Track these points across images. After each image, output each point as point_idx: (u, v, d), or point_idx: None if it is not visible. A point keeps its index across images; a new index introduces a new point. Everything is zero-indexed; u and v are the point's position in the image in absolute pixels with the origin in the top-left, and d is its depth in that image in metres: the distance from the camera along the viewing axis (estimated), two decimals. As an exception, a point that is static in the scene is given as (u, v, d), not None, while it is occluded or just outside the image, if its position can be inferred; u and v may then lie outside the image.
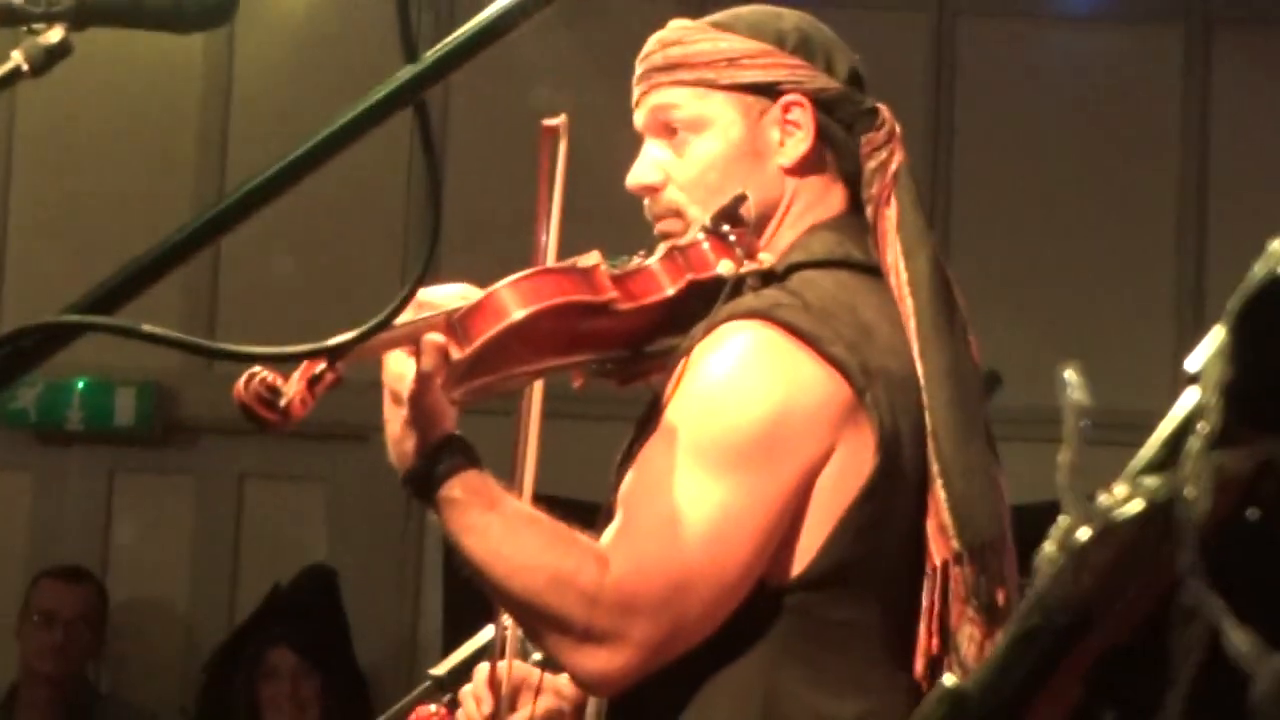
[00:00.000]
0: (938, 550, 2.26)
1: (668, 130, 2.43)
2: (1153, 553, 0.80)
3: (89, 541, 6.44)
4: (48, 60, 1.64)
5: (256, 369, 2.19)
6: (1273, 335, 0.81)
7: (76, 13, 1.65)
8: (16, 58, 1.63)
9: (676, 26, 2.45)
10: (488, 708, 2.65)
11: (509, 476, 2.60)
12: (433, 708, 3.54)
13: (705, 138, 2.42)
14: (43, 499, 6.49)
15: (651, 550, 2.23)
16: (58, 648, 5.92)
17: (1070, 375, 0.87)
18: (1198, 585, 0.78)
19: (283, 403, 2.18)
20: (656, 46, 2.44)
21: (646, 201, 2.47)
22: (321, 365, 2.20)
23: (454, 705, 3.54)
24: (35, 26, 1.64)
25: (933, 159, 6.23)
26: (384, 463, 2.45)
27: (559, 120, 2.49)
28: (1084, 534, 0.81)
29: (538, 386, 2.66)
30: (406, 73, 1.52)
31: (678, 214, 2.44)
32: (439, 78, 1.53)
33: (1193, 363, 0.83)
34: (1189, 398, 0.82)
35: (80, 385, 6.31)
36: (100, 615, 6.13)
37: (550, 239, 2.52)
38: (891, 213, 2.37)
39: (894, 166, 2.40)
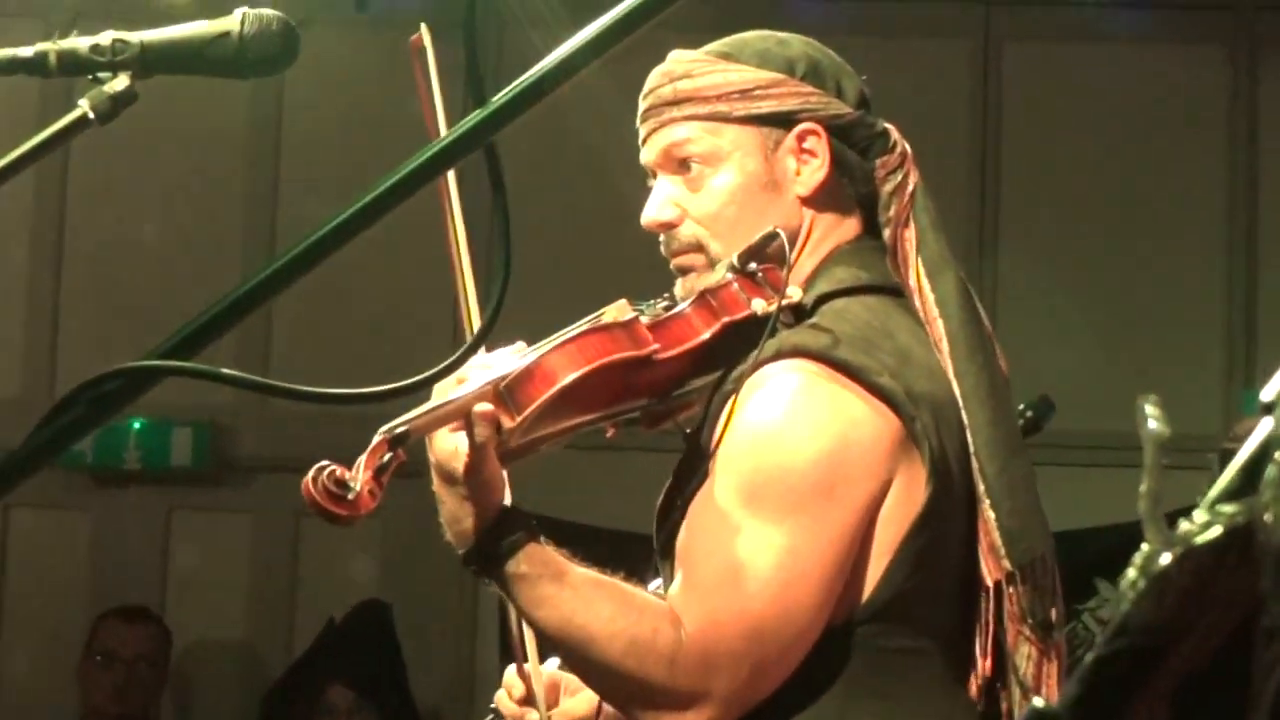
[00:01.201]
0: (990, 571, 2.26)
1: (681, 166, 2.42)
2: (1232, 578, 0.83)
3: (148, 580, 6.48)
4: (113, 108, 1.66)
5: (324, 464, 2.19)
6: None
7: (141, 61, 1.67)
8: (83, 106, 1.66)
9: (682, 59, 2.44)
10: (520, 693, 2.64)
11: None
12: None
13: (722, 172, 2.41)
14: (102, 539, 6.54)
15: (722, 604, 2.22)
16: (119, 687, 5.95)
17: (1149, 406, 0.89)
18: (1278, 608, 0.80)
19: (351, 496, 2.18)
20: (663, 80, 2.42)
21: (663, 238, 2.47)
22: (388, 454, 2.20)
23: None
24: (100, 75, 1.67)
25: (980, 187, 6.23)
26: (434, 500, 2.46)
27: (420, 34, 2.51)
28: (1165, 559, 0.83)
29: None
30: (475, 117, 1.53)
31: (699, 249, 2.43)
32: (507, 122, 1.53)
33: (1269, 392, 0.85)
34: (1265, 426, 0.85)
35: (137, 426, 6.36)
36: (163, 654, 6.16)
37: (450, 189, 2.52)
38: (911, 234, 2.37)
39: (910, 188, 2.40)
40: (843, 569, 2.24)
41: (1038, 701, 0.84)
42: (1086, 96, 6.41)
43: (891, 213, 2.40)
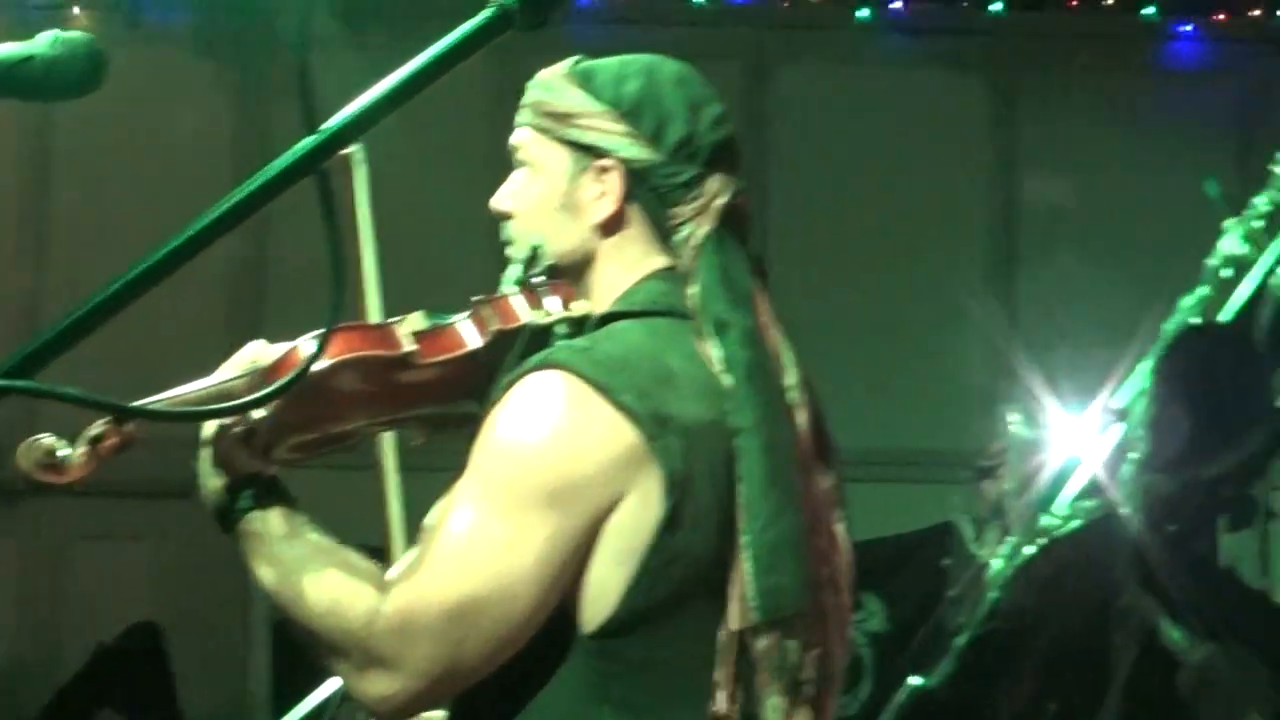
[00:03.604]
0: (734, 617, 2.32)
1: (520, 165, 2.52)
2: (1091, 564, 0.90)
3: (-91, 608, 6.37)
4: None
5: (37, 437, 2.28)
6: (1186, 378, 0.91)
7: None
8: None
9: (551, 71, 2.53)
10: None
11: (381, 529, 2.68)
12: (282, 761, 3.57)
13: (536, 180, 2.51)
14: None
15: (430, 580, 2.30)
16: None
17: (1012, 414, 0.96)
18: (1134, 589, 0.88)
19: (61, 464, 2.27)
20: (530, 85, 2.54)
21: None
22: (102, 426, 2.29)
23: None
24: None
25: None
26: (206, 519, 2.51)
27: (353, 149, 2.59)
28: (1030, 550, 0.91)
29: (388, 441, 2.73)
30: (308, 144, 1.57)
31: (513, 245, 2.53)
32: (339, 148, 1.58)
33: (1118, 400, 0.94)
34: (1115, 431, 0.93)
35: (-103, 448, 6.22)
36: (-77, 682, 6.07)
37: (368, 275, 2.63)
38: (696, 290, 2.44)
39: (695, 243, 2.45)
40: (561, 570, 2.30)
41: (916, 679, 0.91)
42: (856, 119, 6.54)
43: (683, 262, 2.45)
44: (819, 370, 2.51)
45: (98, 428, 2.31)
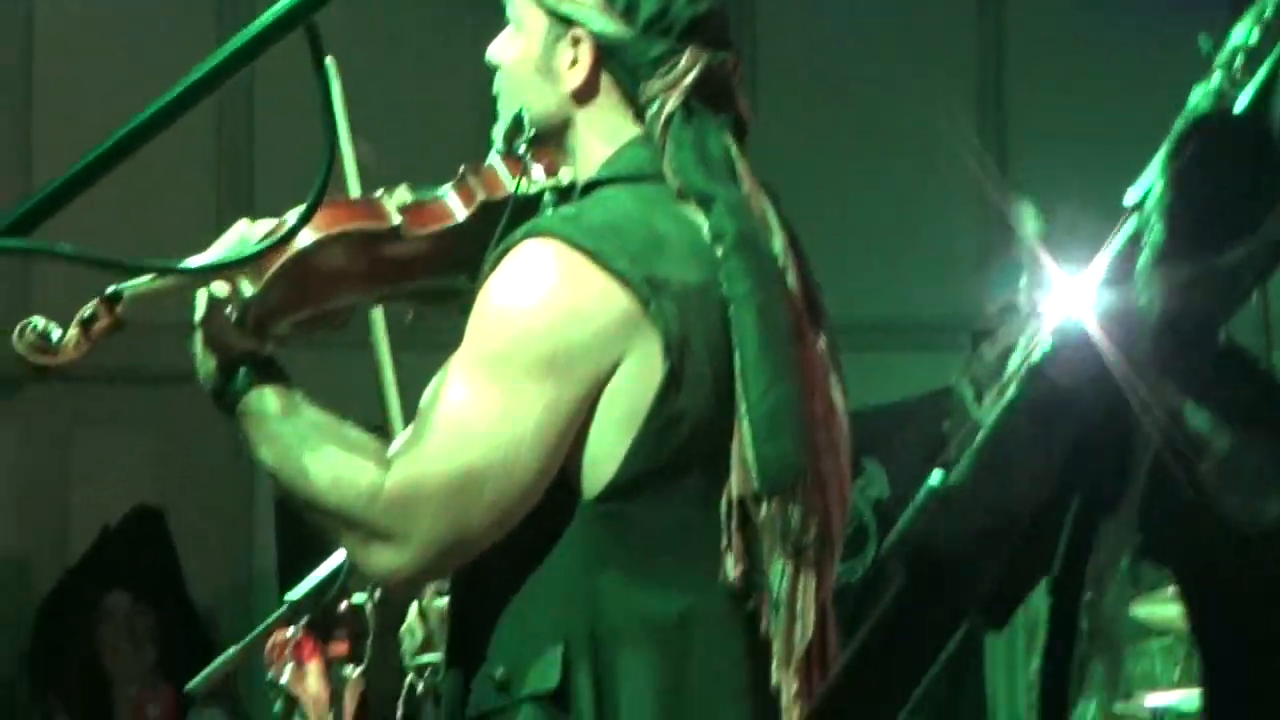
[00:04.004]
0: (736, 484, 2.35)
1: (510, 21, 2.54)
2: (1108, 358, 0.92)
3: (-84, 495, 6.41)
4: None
5: (29, 319, 2.30)
6: (1200, 166, 0.93)
7: None
8: None
9: None
10: (420, 637, 2.87)
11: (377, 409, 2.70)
12: (290, 631, 3.62)
13: (518, 41, 2.52)
14: None
15: (431, 453, 2.33)
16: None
17: (1026, 206, 0.99)
18: (1153, 377, 0.90)
19: (54, 346, 2.30)
20: None
21: None
22: (93, 307, 2.31)
23: (314, 628, 3.64)
24: None
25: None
26: (208, 403, 2.53)
27: (327, 62, 2.59)
28: (1046, 348, 0.93)
29: (380, 320, 2.74)
30: None
31: (499, 99, 2.55)
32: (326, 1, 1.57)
33: (1131, 196, 0.95)
34: (1130, 224, 0.95)
35: (-100, 339, 6.23)
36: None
37: (348, 166, 2.65)
38: (669, 163, 2.44)
39: (663, 118, 2.45)
40: (561, 438, 2.32)
41: (935, 477, 0.94)
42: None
43: (656, 136, 2.46)
44: (810, 237, 2.52)
45: (89, 309, 2.33)
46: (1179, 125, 1.01)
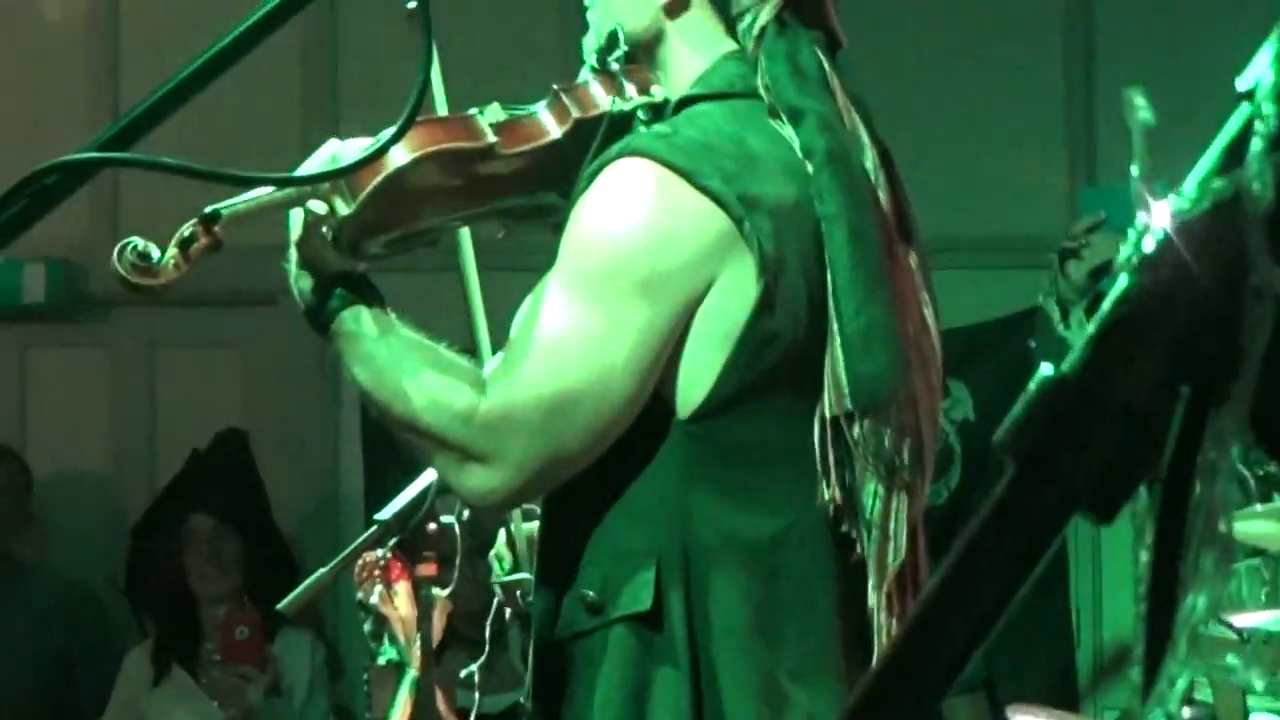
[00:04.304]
0: (830, 403, 2.33)
1: None
2: (1221, 244, 0.92)
3: (6, 419, 6.47)
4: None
5: (129, 240, 2.30)
6: None
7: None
8: None
9: None
10: (509, 564, 2.88)
11: (465, 331, 2.71)
12: (379, 552, 3.64)
13: None
14: (-45, 379, 6.51)
15: (526, 375, 2.33)
16: (-22, 524, 5.96)
17: (1136, 96, 0.98)
18: (1266, 265, 0.89)
19: (155, 266, 2.30)
20: None
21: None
22: (192, 227, 2.31)
23: (403, 549, 3.66)
24: None
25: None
26: (294, 324, 2.54)
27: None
28: (1159, 234, 0.93)
29: (467, 240, 2.74)
30: None
31: (590, 10, 2.54)
32: None
33: (1243, 82, 0.94)
34: (1241, 114, 0.94)
35: (-14, 264, 6.30)
36: (23, 491, 6.18)
37: (436, 87, 2.64)
38: (765, 79, 2.42)
39: (757, 29, 2.44)
40: (657, 358, 2.32)
41: (1047, 367, 0.93)
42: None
43: (750, 50, 2.44)
44: (897, 154, 2.50)
45: (187, 229, 2.33)
46: None
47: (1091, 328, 0.92)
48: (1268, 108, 0.91)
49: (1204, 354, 0.92)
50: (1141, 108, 0.97)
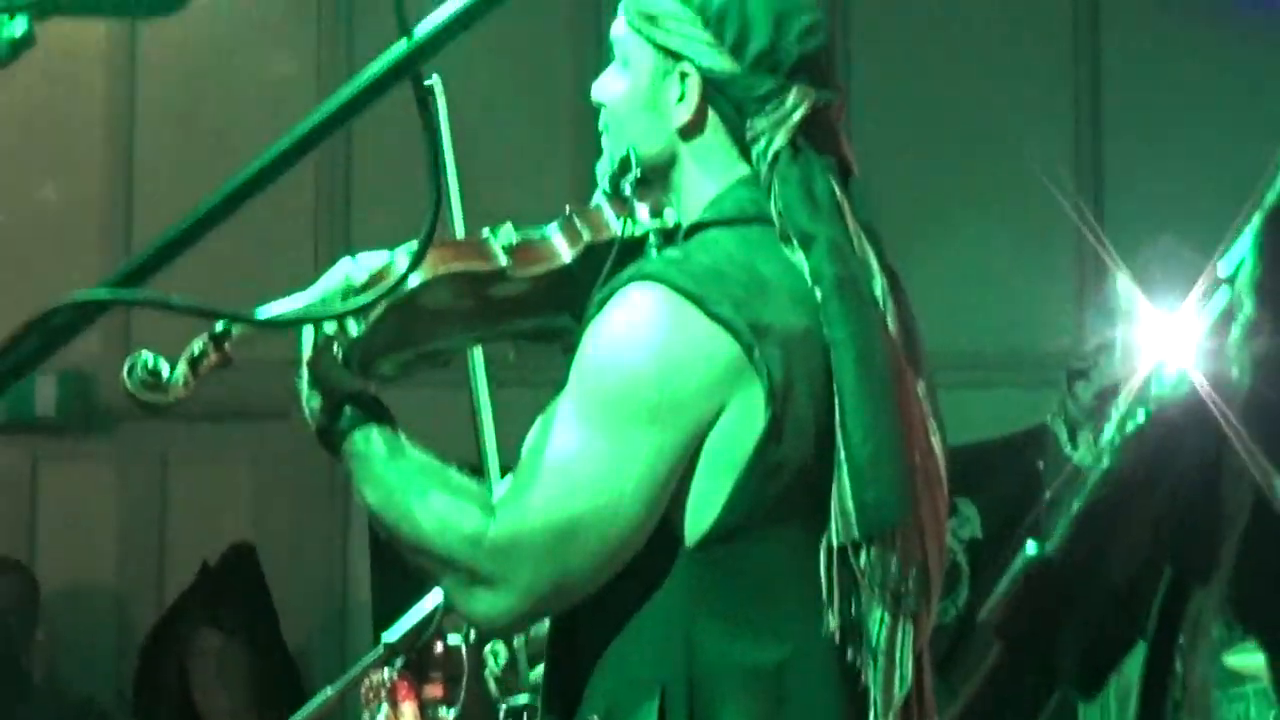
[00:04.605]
0: (837, 531, 2.33)
1: (618, 58, 2.55)
2: (1202, 427, 0.93)
3: (15, 532, 6.46)
4: (13, 52, 1.68)
5: (142, 352, 2.31)
6: None
7: (39, 2, 1.69)
8: None
9: None
10: (504, 658, 2.91)
11: (473, 448, 2.71)
12: (385, 673, 3.63)
13: (626, 75, 2.53)
14: (-35, 492, 6.51)
15: (536, 499, 2.33)
16: (-13, 639, 5.94)
17: (1121, 279, 1.00)
18: (1245, 447, 0.90)
19: (164, 383, 2.31)
20: None
21: None
22: (202, 345, 2.33)
23: (409, 670, 3.64)
24: None
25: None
26: (305, 439, 2.55)
27: (431, 80, 2.60)
28: (1139, 419, 0.94)
29: (479, 359, 2.75)
30: (401, 48, 1.61)
31: (606, 135, 2.56)
32: (433, 53, 1.61)
33: (1224, 267, 0.96)
34: (1222, 297, 0.96)
35: (-2, 377, 6.28)
36: (31, 605, 6.16)
37: (452, 200, 2.66)
38: (777, 204, 2.43)
39: (770, 155, 2.45)
40: (665, 485, 2.32)
41: (1031, 546, 0.94)
42: (933, 20, 6.51)
43: (762, 174, 2.46)
44: (906, 271, 2.51)
45: (198, 346, 2.34)
46: (1270, 199, 1.00)
47: (1075, 506, 0.93)
48: (1246, 299, 0.93)
49: (1185, 535, 0.93)
50: (1126, 298, 0.99)
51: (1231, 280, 0.91)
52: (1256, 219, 0.88)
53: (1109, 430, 0.86)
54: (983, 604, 5.65)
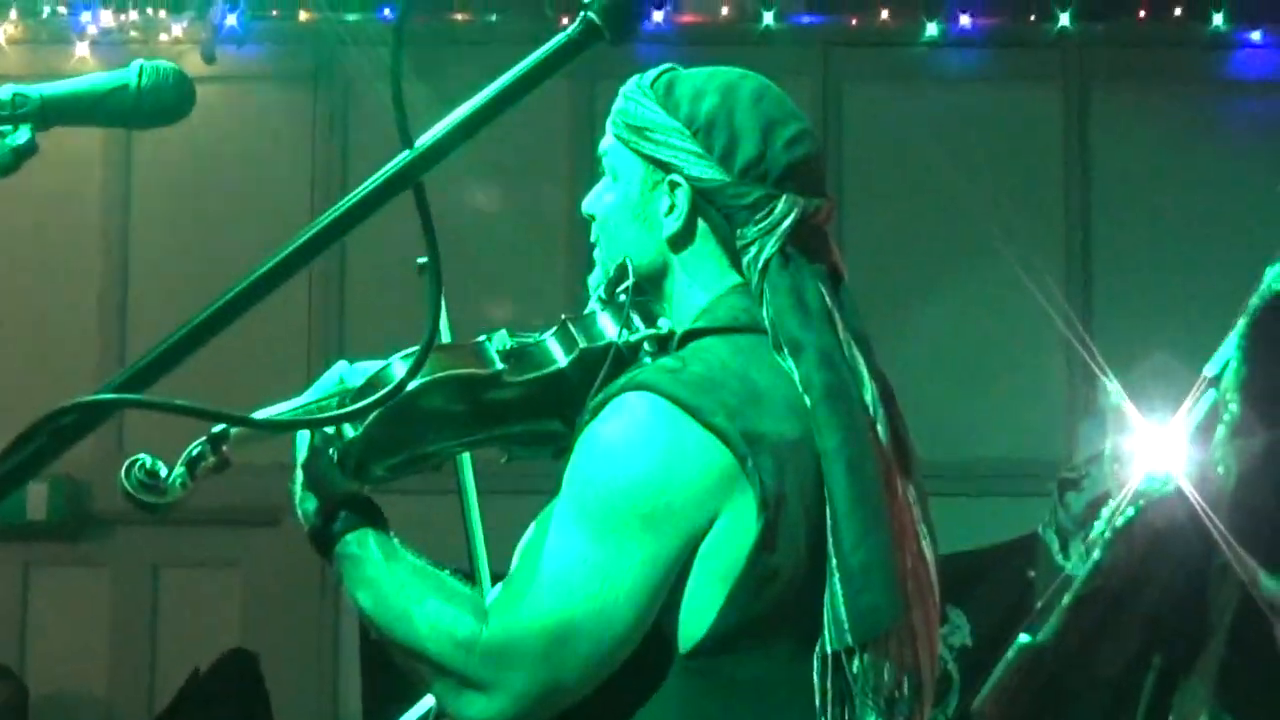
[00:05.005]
0: (830, 638, 2.33)
1: (607, 171, 2.57)
2: (1190, 522, 0.95)
3: (5, 637, 6.45)
4: (15, 161, 1.71)
5: (137, 457, 2.32)
6: (1274, 342, 0.96)
7: (41, 114, 1.73)
8: None
9: (638, 82, 2.56)
10: None
11: (463, 554, 2.71)
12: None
13: (615, 188, 2.54)
14: (-43, 598, 6.50)
15: (530, 605, 2.33)
16: (-23, 747, 5.91)
17: (1111, 386, 1.03)
18: (1232, 546, 0.92)
19: (162, 485, 2.32)
20: (620, 92, 2.56)
21: None
22: (200, 447, 2.34)
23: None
24: (2, 129, 1.72)
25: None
26: (296, 545, 2.56)
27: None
28: (1130, 514, 0.96)
29: (468, 465, 2.76)
30: (403, 158, 1.64)
31: (598, 248, 2.57)
32: (435, 162, 1.65)
33: (1211, 368, 0.99)
34: (1208, 397, 0.98)
35: (-10, 482, 6.28)
36: (19, 711, 6.14)
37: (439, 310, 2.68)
38: (767, 312, 2.45)
39: (761, 263, 2.46)
40: (657, 594, 2.32)
41: (1023, 637, 0.96)
42: (927, 134, 6.56)
43: (751, 282, 2.47)
44: (898, 383, 2.52)
45: (196, 449, 2.36)
46: (1254, 303, 1.03)
47: (1067, 599, 0.95)
48: (1231, 400, 0.96)
49: (1174, 626, 0.95)
50: (1114, 394, 1.02)
51: (1217, 380, 0.93)
52: (1241, 322, 0.90)
53: (1099, 526, 0.88)
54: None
